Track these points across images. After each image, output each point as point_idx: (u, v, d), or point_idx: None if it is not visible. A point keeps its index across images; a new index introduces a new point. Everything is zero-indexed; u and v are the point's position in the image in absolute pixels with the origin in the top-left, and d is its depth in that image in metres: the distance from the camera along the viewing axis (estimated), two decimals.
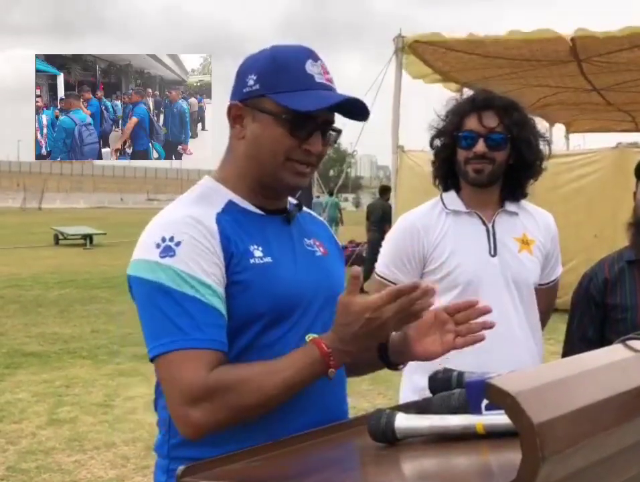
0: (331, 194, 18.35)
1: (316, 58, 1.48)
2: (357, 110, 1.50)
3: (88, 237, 20.51)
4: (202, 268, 1.39)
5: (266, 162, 1.48)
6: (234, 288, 1.42)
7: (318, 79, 1.45)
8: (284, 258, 1.49)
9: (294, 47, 1.51)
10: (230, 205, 1.50)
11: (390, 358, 1.60)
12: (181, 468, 1.15)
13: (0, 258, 16.65)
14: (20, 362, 7.01)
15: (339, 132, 1.52)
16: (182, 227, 1.42)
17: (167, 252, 1.39)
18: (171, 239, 1.40)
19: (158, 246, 1.40)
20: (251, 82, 1.47)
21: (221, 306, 1.40)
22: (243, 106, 1.48)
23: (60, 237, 21.13)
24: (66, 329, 8.68)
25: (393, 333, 1.55)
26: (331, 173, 56.69)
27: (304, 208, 1.67)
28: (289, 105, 1.43)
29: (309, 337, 1.39)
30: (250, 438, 1.32)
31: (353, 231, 17.65)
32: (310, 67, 1.45)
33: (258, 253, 1.45)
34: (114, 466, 4.45)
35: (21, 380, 6.37)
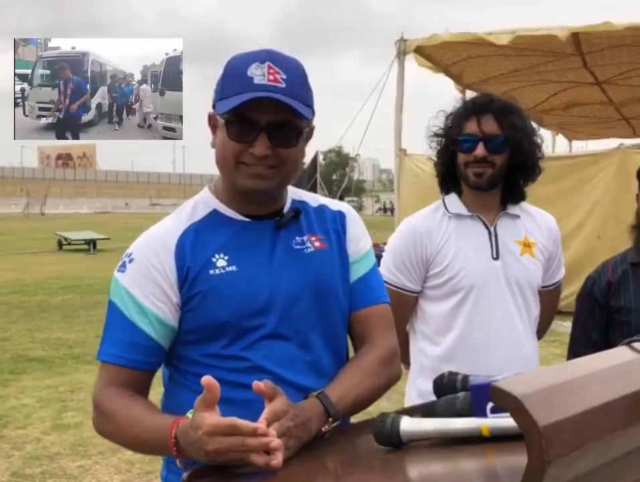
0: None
1: (264, 60, 1.43)
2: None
3: (92, 243, 20.50)
4: (141, 288, 1.47)
5: (223, 167, 1.51)
6: (195, 299, 1.47)
7: (257, 80, 1.41)
8: (256, 264, 1.50)
9: (250, 52, 1.48)
10: (212, 214, 1.54)
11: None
12: (184, 475, 1.16)
13: (3, 264, 16.67)
14: (24, 368, 7.02)
15: (298, 131, 1.47)
16: (142, 246, 1.51)
17: (122, 267, 1.51)
18: (130, 255, 1.51)
19: (122, 259, 1.52)
20: (213, 93, 1.52)
21: (147, 326, 1.46)
22: (213, 115, 1.53)
23: (64, 242, 21.15)
24: (70, 334, 8.69)
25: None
26: (334, 176, 56.68)
27: (313, 200, 1.66)
28: (217, 110, 1.47)
29: (190, 412, 1.28)
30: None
31: None
32: (252, 70, 1.42)
33: (221, 263, 1.48)
34: (118, 471, 4.45)
35: (25, 386, 6.37)
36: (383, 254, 2.40)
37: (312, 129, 1.55)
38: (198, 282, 1.47)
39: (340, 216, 1.66)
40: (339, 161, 60.63)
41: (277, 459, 1.18)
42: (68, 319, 9.69)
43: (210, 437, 1.19)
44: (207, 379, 1.19)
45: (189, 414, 1.28)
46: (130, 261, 1.49)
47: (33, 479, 4.32)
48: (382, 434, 1.22)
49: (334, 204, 1.69)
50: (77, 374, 6.77)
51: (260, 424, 1.20)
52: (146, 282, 1.46)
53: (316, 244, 1.58)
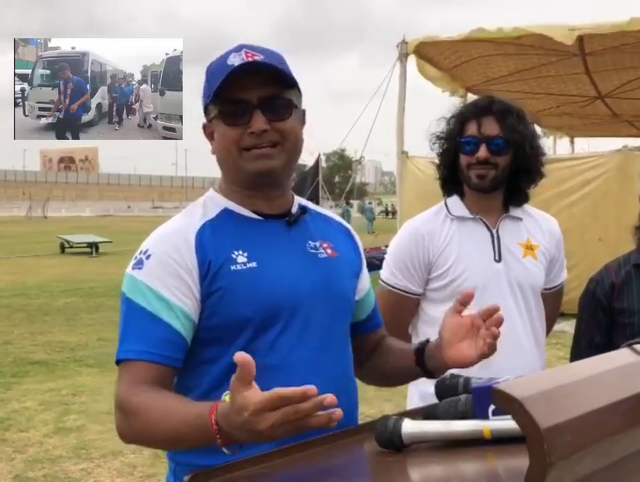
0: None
1: (240, 48, 1.47)
2: (284, 75, 1.47)
3: (94, 246, 20.55)
4: (164, 282, 1.42)
5: (226, 160, 1.51)
6: (215, 295, 1.45)
7: (237, 63, 1.44)
8: (274, 262, 1.50)
9: (226, 51, 1.52)
10: (225, 212, 1.54)
11: (427, 364, 1.58)
12: (186, 478, 1.16)
13: (6, 267, 16.70)
14: (26, 371, 7.03)
15: (290, 103, 1.49)
16: (158, 241, 1.48)
17: (138, 264, 1.46)
18: (145, 252, 1.46)
19: (135, 258, 1.47)
20: (202, 100, 1.54)
21: (174, 320, 1.42)
22: (208, 123, 1.54)
23: (66, 245, 21.19)
24: (72, 337, 8.70)
25: (431, 339, 1.58)
26: (336, 179, 56.69)
27: (318, 209, 1.69)
28: (209, 103, 1.48)
29: (226, 394, 1.20)
30: (255, 445, 1.32)
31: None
32: (231, 59, 1.46)
33: (241, 259, 1.47)
34: (120, 474, 4.45)
35: (27, 389, 6.38)
36: (386, 256, 2.40)
37: (303, 112, 1.57)
38: (219, 277, 1.44)
39: (347, 230, 1.73)
40: (342, 163, 60.59)
41: (337, 412, 1.11)
42: (70, 322, 9.70)
43: (259, 416, 1.10)
44: (240, 355, 1.11)
45: (226, 397, 1.20)
46: (148, 257, 1.45)
47: None
48: (384, 436, 1.22)
49: (336, 216, 1.75)
50: (80, 377, 6.78)
51: (307, 386, 1.11)
52: (169, 276, 1.43)
53: (328, 251, 1.59)
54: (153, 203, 77.49)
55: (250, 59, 1.45)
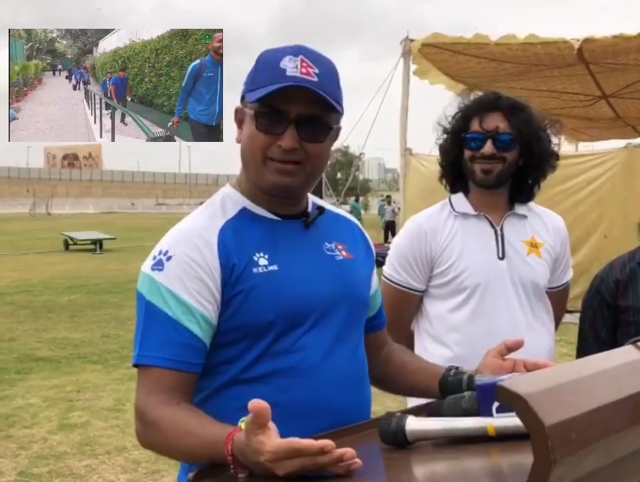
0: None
1: (297, 53, 1.42)
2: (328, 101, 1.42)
3: (98, 243, 20.54)
4: (184, 285, 1.39)
5: (249, 162, 1.48)
6: (238, 297, 1.42)
7: (290, 72, 1.39)
8: (295, 264, 1.48)
9: (283, 46, 1.47)
10: (243, 212, 1.51)
11: (449, 389, 1.55)
12: (190, 474, 1.16)
13: (10, 264, 16.73)
14: (31, 367, 7.04)
15: (327, 127, 1.46)
16: (179, 242, 1.44)
17: (158, 265, 1.42)
18: (165, 253, 1.42)
19: (154, 258, 1.43)
20: (243, 86, 1.49)
21: (194, 325, 1.39)
22: (241, 109, 1.50)
23: (70, 242, 21.20)
24: (76, 334, 8.71)
25: (465, 367, 1.60)
26: (339, 175, 56.58)
27: (333, 209, 1.67)
28: (246, 100, 1.44)
29: (242, 421, 1.17)
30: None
31: None
32: (285, 62, 1.40)
33: (262, 261, 1.44)
34: (125, 470, 4.46)
35: (32, 385, 6.39)
36: (389, 252, 2.40)
37: (339, 129, 1.52)
38: (242, 280, 1.42)
39: (359, 230, 1.70)
40: (345, 160, 60.48)
41: (357, 463, 1.10)
42: (74, 319, 9.72)
43: (275, 463, 1.09)
44: (255, 404, 1.08)
45: (241, 424, 1.18)
46: (168, 258, 1.41)
47: (39, 479, 4.33)
48: (388, 433, 1.22)
49: (347, 215, 1.73)
50: (84, 374, 6.79)
51: (326, 441, 1.08)
52: (190, 279, 1.39)
53: (344, 253, 1.58)
54: (157, 200, 77.44)
55: (304, 71, 1.40)
